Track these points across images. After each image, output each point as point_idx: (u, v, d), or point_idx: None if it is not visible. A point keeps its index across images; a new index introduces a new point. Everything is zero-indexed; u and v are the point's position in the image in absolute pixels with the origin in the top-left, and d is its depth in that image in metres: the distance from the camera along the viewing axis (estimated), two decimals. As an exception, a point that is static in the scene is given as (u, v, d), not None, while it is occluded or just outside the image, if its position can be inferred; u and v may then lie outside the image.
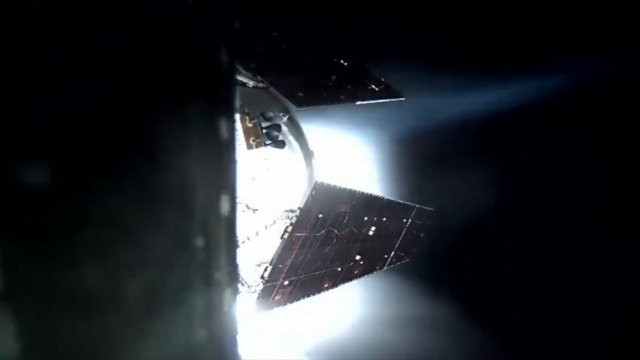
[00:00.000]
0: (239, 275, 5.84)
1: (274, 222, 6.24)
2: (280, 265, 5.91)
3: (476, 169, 9.31)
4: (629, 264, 8.90)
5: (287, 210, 6.33)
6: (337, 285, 7.12)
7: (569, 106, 8.80)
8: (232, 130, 1.11)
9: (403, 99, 7.58)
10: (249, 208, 5.87)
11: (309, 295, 6.60)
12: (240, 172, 5.81)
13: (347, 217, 6.66)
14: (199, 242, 1.03)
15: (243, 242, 5.84)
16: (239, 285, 5.85)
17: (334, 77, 7.16)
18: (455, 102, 9.00)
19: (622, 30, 8.01)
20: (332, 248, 6.65)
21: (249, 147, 5.77)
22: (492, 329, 8.98)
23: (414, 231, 8.28)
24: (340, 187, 6.28)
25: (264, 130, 6.16)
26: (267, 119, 6.37)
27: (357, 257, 7.30)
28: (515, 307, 9.19)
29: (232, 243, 1.12)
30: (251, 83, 6.17)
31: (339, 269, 7.02)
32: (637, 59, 8.06)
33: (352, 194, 6.55)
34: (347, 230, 6.79)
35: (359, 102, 7.15)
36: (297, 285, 6.30)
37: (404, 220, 7.99)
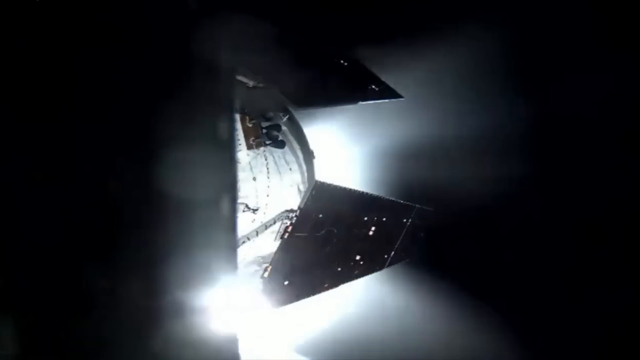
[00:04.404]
0: (239, 275, 5.83)
1: (274, 222, 6.24)
2: (280, 265, 5.91)
3: (477, 169, 9.31)
4: (628, 264, 8.90)
5: (287, 210, 6.33)
6: (337, 285, 7.12)
7: (569, 108, 8.79)
8: (232, 130, 1.11)
9: (403, 98, 7.58)
10: (249, 208, 5.86)
11: (309, 295, 6.61)
12: (241, 172, 5.81)
13: (347, 217, 6.66)
14: (200, 241, 1.04)
15: (243, 242, 5.84)
16: (239, 285, 5.85)
17: (334, 77, 7.16)
18: (456, 102, 8.99)
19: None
20: (332, 248, 6.65)
21: (249, 147, 5.77)
22: (492, 329, 8.98)
23: (414, 231, 8.28)
24: (340, 187, 6.28)
25: (264, 130, 6.16)
26: (267, 119, 6.37)
27: (357, 257, 7.30)
28: (515, 307, 9.19)
29: (232, 243, 1.12)
30: (251, 83, 6.16)
31: (339, 269, 7.03)
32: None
33: (352, 194, 6.55)
34: (347, 230, 6.79)
35: (359, 102, 7.15)
36: (297, 285, 6.30)
37: (404, 220, 7.99)
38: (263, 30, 6.16)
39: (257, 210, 5.96)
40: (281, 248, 5.85)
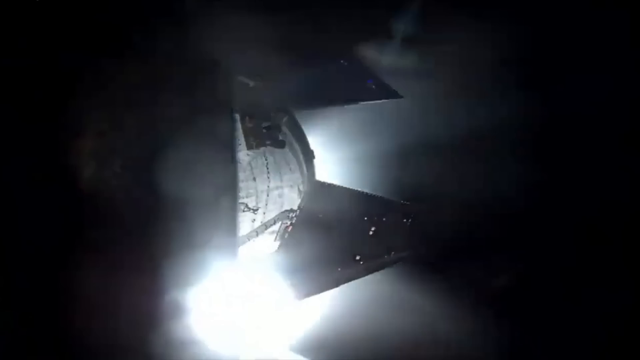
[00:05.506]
0: (239, 275, 5.84)
1: (274, 222, 6.24)
2: (280, 265, 5.91)
3: (477, 169, 9.32)
4: (628, 264, 8.90)
5: (287, 210, 6.33)
6: (337, 285, 7.12)
7: (569, 108, 8.81)
8: (232, 130, 1.11)
9: (403, 98, 7.59)
10: (249, 208, 5.87)
11: (309, 295, 6.60)
12: (241, 172, 5.81)
13: (347, 217, 6.66)
14: (200, 241, 1.04)
15: (243, 242, 5.85)
16: (239, 285, 5.85)
17: (334, 77, 7.17)
18: (456, 103, 9.01)
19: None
20: (332, 248, 6.65)
21: (249, 147, 5.78)
22: (491, 329, 8.98)
23: (414, 231, 8.28)
24: (340, 187, 6.29)
25: (264, 130, 6.17)
26: (267, 119, 6.38)
27: (357, 257, 7.30)
28: (515, 307, 9.20)
29: (232, 243, 1.12)
30: (251, 83, 6.17)
31: (339, 269, 7.02)
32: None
33: (352, 193, 6.55)
34: (347, 230, 6.79)
35: (359, 102, 7.16)
36: (298, 285, 6.30)
37: (404, 220, 7.99)
38: (263, 30, 6.18)
39: (257, 210, 5.97)
40: (281, 248, 5.85)
